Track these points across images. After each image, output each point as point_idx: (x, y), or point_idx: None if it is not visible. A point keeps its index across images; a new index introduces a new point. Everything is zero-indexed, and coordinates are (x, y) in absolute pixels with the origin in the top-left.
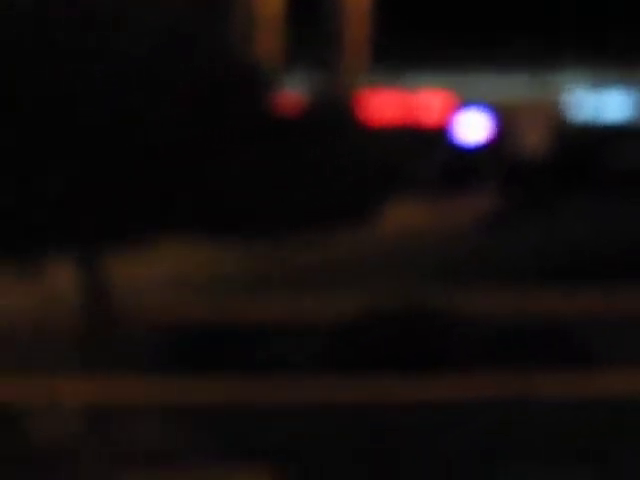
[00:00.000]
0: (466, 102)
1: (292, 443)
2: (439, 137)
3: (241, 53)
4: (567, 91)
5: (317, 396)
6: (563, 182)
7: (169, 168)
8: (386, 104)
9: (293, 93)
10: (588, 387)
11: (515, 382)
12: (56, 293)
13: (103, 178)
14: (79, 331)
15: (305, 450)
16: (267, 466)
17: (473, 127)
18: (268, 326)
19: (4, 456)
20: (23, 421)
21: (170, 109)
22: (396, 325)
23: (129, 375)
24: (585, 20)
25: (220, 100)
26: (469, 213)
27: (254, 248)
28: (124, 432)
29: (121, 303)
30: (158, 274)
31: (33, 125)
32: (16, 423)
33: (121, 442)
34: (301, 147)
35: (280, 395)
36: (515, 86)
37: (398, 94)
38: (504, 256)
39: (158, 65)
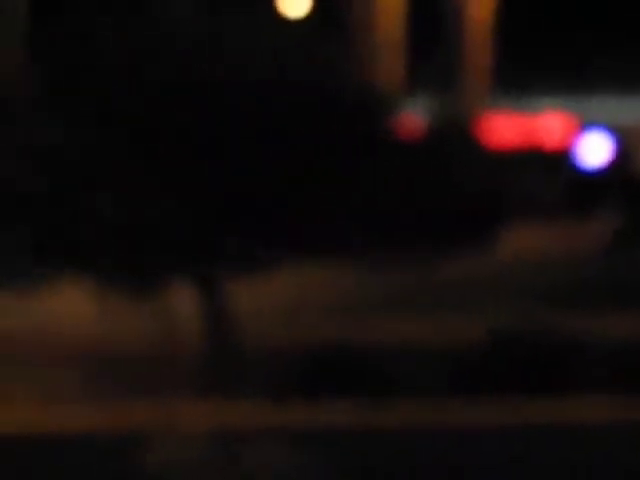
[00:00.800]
0: (588, 125)
1: (418, 467)
2: (561, 160)
3: (363, 77)
4: None
5: (441, 420)
6: None
7: (290, 192)
8: (508, 127)
9: (415, 116)
10: None
11: (633, 405)
12: (178, 318)
13: (226, 203)
14: (200, 356)
15: (431, 475)
16: None
17: (595, 150)
18: (389, 349)
19: None
20: (144, 446)
21: (294, 134)
22: (516, 348)
23: (251, 400)
24: None
25: (342, 124)
26: (592, 236)
27: (375, 271)
28: (246, 457)
29: (242, 328)
30: (280, 299)
31: (157, 151)
32: (137, 448)
33: (243, 467)
34: (423, 170)
35: (405, 419)
36: (637, 108)
37: (520, 117)
38: (626, 280)
39: (280, 90)
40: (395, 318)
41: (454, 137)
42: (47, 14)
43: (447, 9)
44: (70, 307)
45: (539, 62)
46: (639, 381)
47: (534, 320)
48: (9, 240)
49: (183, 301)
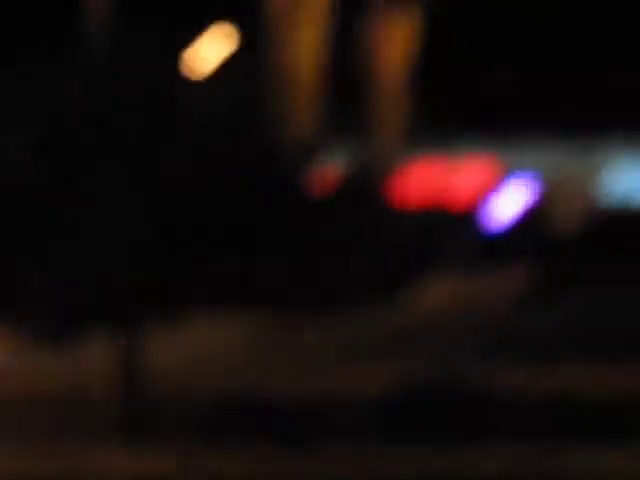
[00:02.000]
0: (502, 179)
1: None
2: (474, 214)
3: (276, 129)
4: (604, 169)
5: (360, 467)
6: (598, 259)
7: (200, 245)
8: (422, 179)
9: (329, 168)
10: (618, 460)
11: (542, 457)
12: (91, 367)
13: (138, 258)
14: (115, 404)
15: None
16: None
17: (508, 204)
18: (298, 400)
19: None
20: None
21: (204, 188)
22: (429, 399)
23: (162, 448)
24: (627, 101)
25: (253, 176)
26: (504, 290)
27: (286, 323)
28: None
29: (154, 377)
30: (190, 349)
31: (75, 203)
32: None
33: None
34: (335, 222)
35: (321, 467)
36: (552, 164)
37: (434, 169)
38: (536, 334)
39: (194, 135)
40: (316, 368)
41: (368, 190)
42: None
43: (364, 59)
44: None
45: (454, 116)
46: (549, 430)
47: (446, 372)
48: None
49: (99, 349)
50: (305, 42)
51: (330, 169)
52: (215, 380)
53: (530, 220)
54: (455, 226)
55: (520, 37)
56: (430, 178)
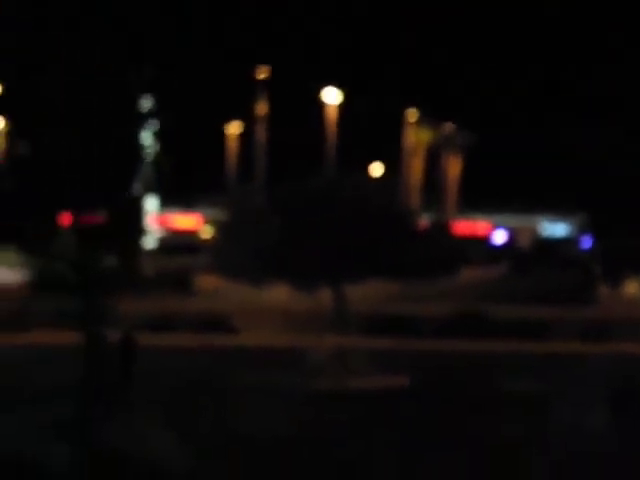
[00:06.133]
0: (495, 229)
1: None
2: (488, 240)
3: (402, 206)
4: (540, 223)
5: None
6: (533, 261)
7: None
8: (459, 228)
9: (423, 222)
10: None
11: None
12: None
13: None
14: None
15: None
16: None
17: (499, 238)
18: None
19: None
20: None
21: (367, 230)
22: None
23: None
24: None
25: (391, 222)
26: (502, 271)
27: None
28: None
29: None
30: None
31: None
32: None
33: None
34: (426, 241)
35: None
36: (518, 222)
37: (460, 223)
38: (515, 288)
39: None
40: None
41: (440, 230)
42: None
43: (439, 174)
44: None
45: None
46: None
47: None
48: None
49: None
50: (416, 165)
51: (424, 222)
52: None
53: (508, 243)
54: (478, 244)
55: None
56: (461, 227)
